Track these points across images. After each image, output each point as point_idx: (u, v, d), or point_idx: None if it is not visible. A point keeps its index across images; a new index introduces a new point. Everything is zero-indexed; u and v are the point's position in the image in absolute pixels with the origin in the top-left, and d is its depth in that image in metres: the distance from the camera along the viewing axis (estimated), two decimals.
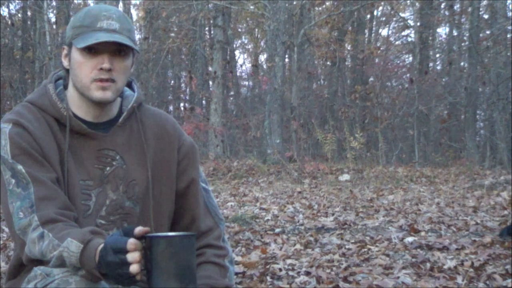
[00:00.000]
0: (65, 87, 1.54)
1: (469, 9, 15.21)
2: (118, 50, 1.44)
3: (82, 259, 1.24)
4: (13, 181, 1.39)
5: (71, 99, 1.51)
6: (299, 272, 3.08)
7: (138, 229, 1.18)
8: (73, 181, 1.45)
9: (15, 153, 1.40)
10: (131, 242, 1.15)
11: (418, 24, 17.64)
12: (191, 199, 1.59)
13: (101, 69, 1.42)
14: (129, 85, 1.61)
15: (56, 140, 1.46)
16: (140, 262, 1.15)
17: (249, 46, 23.98)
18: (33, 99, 1.50)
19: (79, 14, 1.48)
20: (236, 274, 2.95)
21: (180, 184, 1.58)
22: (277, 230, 4.41)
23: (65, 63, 1.50)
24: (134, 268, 1.14)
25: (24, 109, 1.48)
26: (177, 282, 1.12)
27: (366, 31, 19.38)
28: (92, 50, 1.43)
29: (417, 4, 18.11)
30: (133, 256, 1.15)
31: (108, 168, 1.50)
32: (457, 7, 17.73)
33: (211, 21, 16.20)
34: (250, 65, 21.99)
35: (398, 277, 2.88)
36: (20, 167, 1.39)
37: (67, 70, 1.51)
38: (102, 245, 1.21)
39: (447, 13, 17.87)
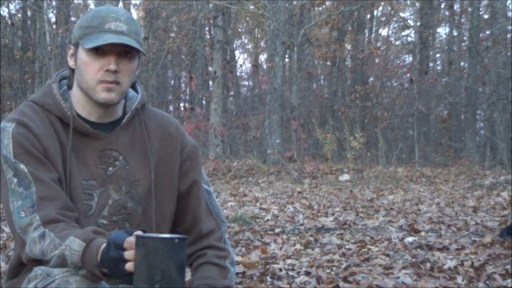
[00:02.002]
0: (69, 87, 1.55)
1: (469, 9, 15.22)
2: (124, 52, 1.45)
3: (84, 258, 1.24)
4: (15, 180, 1.39)
5: (75, 99, 1.51)
6: (299, 272, 3.08)
7: (136, 232, 1.19)
8: (75, 181, 1.46)
9: (17, 153, 1.40)
10: (128, 240, 1.16)
11: (418, 24, 17.65)
12: (193, 201, 1.60)
13: (107, 70, 1.43)
14: (133, 86, 1.62)
15: (59, 140, 1.46)
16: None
17: (249, 46, 23.99)
18: (37, 99, 1.50)
19: (87, 14, 1.49)
20: (236, 274, 2.96)
21: (182, 185, 1.59)
22: (277, 230, 4.41)
23: (71, 62, 1.51)
24: (129, 266, 1.15)
25: (28, 109, 1.48)
26: (146, 283, 1.12)
27: (366, 31, 19.39)
28: (98, 51, 1.43)
29: (417, 4, 18.12)
30: (129, 254, 1.16)
31: (111, 168, 1.50)
32: (457, 7, 17.74)
33: (211, 21, 16.21)
34: (250, 65, 22.00)
35: (398, 277, 2.88)
36: (22, 166, 1.39)
37: (72, 70, 1.52)
38: (105, 244, 1.22)
39: (447, 13, 17.88)
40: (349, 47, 18.73)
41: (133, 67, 1.48)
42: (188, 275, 1.40)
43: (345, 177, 8.91)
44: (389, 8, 18.09)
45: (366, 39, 18.87)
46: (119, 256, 1.17)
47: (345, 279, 2.89)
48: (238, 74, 21.13)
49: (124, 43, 1.41)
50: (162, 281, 1.12)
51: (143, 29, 14.31)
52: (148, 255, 1.11)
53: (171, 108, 19.56)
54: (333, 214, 5.16)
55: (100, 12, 1.46)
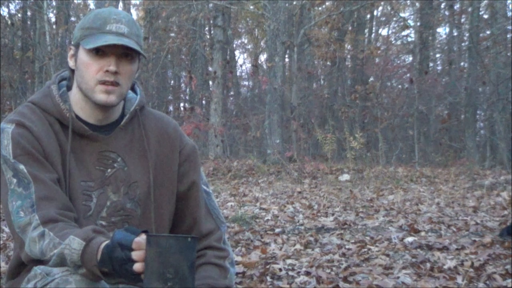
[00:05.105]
0: (69, 88, 1.56)
1: (469, 9, 15.22)
2: (125, 54, 1.45)
3: (84, 257, 1.24)
4: (15, 180, 1.40)
5: (75, 100, 1.52)
6: (299, 272, 3.08)
7: (141, 234, 1.19)
8: (74, 182, 1.46)
9: (17, 153, 1.41)
10: (136, 241, 1.16)
11: (418, 24, 17.65)
12: (192, 202, 1.60)
13: (107, 71, 1.43)
14: (132, 87, 1.63)
15: (58, 141, 1.47)
16: (144, 261, 1.16)
17: (249, 46, 24.00)
18: (36, 100, 1.51)
19: (89, 15, 1.49)
20: (236, 274, 2.96)
21: (181, 186, 1.59)
22: (277, 230, 4.41)
23: (71, 63, 1.51)
24: (137, 266, 1.15)
25: (27, 110, 1.49)
26: (158, 282, 1.12)
27: (366, 31, 19.39)
28: (99, 52, 1.44)
29: (417, 4, 18.12)
30: (137, 254, 1.16)
31: (109, 170, 1.51)
32: (457, 7, 17.74)
33: (211, 21, 16.21)
34: (250, 65, 22.00)
35: (398, 277, 2.88)
36: (21, 166, 1.40)
37: (72, 71, 1.52)
38: (105, 243, 1.22)
39: (447, 13, 17.88)
40: (349, 47, 18.72)
41: (133, 69, 1.49)
42: None
43: (345, 177, 8.91)
44: (389, 8, 18.09)
45: (366, 39, 18.87)
46: (127, 256, 1.16)
47: (345, 279, 2.89)
48: (238, 74, 21.14)
49: (125, 45, 1.42)
50: (175, 278, 1.12)
51: (143, 29, 14.31)
52: (161, 253, 1.12)
53: (171, 108, 19.56)
54: (333, 214, 5.16)
55: (101, 13, 1.47)
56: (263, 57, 20.72)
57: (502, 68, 13.68)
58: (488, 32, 15.03)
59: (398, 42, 20.36)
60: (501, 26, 13.56)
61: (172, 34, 16.95)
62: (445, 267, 3.07)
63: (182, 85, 20.65)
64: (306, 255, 3.49)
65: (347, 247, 3.67)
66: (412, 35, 19.18)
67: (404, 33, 19.50)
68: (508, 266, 3.01)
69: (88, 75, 1.45)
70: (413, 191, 7.10)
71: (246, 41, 23.94)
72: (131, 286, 1.31)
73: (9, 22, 14.10)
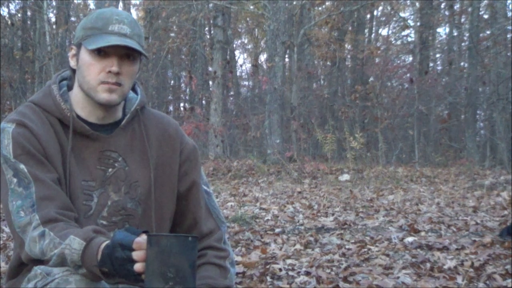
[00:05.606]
0: (70, 88, 1.56)
1: (469, 9, 15.22)
2: (127, 54, 1.46)
3: (84, 257, 1.24)
4: (15, 180, 1.40)
5: (76, 100, 1.52)
6: (299, 272, 3.08)
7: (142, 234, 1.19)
8: (75, 182, 1.46)
9: (17, 153, 1.41)
10: (137, 241, 1.17)
11: (418, 24, 17.65)
12: (193, 202, 1.61)
13: (109, 71, 1.44)
14: (132, 87, 1.63)
15: (59, 140, 1.47)
16: (144, 261, 1.15)
17: (249, 46, 24.00)
18: (36, 100, 1.51)
19: (91, 16, 1.50)
20: (236, 274, 2.96)
21: (182, 186, 1.60)
22: (277, 230, 4.41)
23: (72, 63, 1.52)
24: (137, 267, 1.15)
25: (28, 110, 1.49)
26: (159, 281, 1.12)
27: (366, 31, 19.39)
28: (101, 53, 1.44)
29: (417, 4, 18.12)
30: (137, 254, 1.16)
31: (110, 170, 1.51)
32: (457, 7, 17.74)
33: (211, 21, 16.21)
34: (250, 65, 22.01)
35: (398, 277, 2.88)
36: (22, 166, 1.40)
37: (73, 71, 1.52)
38: (106, 243, 1.22)
39: (447, 13, 17.88)
40: (349, 47, 18.72)
41: (134, 69, 1.49)
42: None
43: (345, 177, 8.91)
44: (389, 8, 18.08)
45: (366, 39, 18.88)
46: (127, 257, 1.16)
47: (345, 279, 2.89)
48: (238, 74, 21.15)
49: (127, 46, 1.42)
50: (176, 278, 1.12)
51: (143, 29, 14.31)
52: (161, 253, 1.12)
53: (171, 108, 19.56)
54: (333, 214, 5.16)
55: (103, 14, 1.47)
56: (263, 57, 20.73)
57: (502, 68, 13.68)
58: (488, 32, 15.03)
59: (398, 42, 20.36)
60: (501, 26, 13.55)
61: (172, 34, 16.96)
62: (445, 267, 3.07)
63: (182, 85, 20.66)
64: (306, 255, 3.49)
65: (347, 247, 3.67)
66: (412, 35, 19.20)
67: (404, 33, 19.51)
68: (508, 266, 3.01)
69: (90, 76, 1.45)
70: (413, 191, 7.10)
71: (246, 41, 23.95)
72: (131, 286, 1.31)
73: (9, 22, 14.09)
